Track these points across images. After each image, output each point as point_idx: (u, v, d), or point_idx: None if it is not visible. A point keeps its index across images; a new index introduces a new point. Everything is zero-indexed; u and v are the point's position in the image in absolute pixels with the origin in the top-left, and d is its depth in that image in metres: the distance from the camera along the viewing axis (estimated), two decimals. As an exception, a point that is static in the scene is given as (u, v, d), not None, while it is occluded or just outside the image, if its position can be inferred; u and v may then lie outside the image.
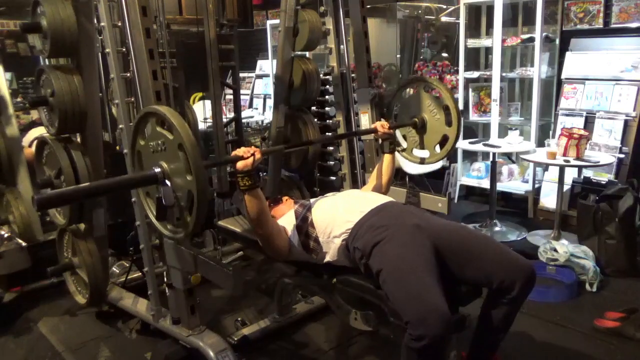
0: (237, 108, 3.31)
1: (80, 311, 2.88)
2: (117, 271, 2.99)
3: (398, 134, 2.60)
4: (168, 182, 1.63)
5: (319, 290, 2.18)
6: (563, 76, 4.12)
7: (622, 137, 3.78)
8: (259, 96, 6.46)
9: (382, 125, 2.40)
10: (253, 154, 1.85)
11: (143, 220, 2.26)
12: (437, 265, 1.74)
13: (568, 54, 4.11)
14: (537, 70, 4.05)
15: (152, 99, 2.09)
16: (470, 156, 4.66)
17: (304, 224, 2.01)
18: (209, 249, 2.94)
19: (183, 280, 2.20)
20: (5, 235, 2.95)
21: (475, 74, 4.48)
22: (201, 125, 3.37)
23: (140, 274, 2.83)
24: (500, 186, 4.34)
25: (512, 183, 4.41)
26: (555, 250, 3.14)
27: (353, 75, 3.01)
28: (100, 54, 2.66)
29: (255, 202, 1.88)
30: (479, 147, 3.92)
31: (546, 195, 4.18)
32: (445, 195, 2.79)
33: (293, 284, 2.40)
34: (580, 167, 3.79)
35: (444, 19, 5.19)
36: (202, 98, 5.26)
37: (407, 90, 3.09)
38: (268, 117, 5.82)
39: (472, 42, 4.44)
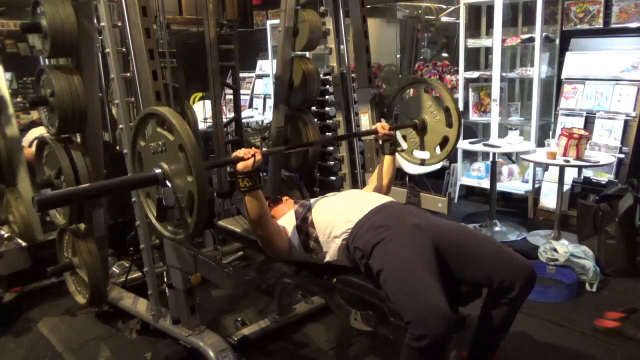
0: (237, 108, 3.30)
1: (80, 311, 2.88)
2: (117, 271, 2.99)
3: (398, 134, 2.59)
4: (169, 183, 1.62)
5: (319, 290, 2.18)
6: (563, 76, 4.12)
7: (622, 137, 3.78)
8: (259, 96, 6.46)
9: (382, 127, 2.40)
10: (253, 155, 1.85)
11: (143, 220, 2.26)
12: (437, 265, 1.74)
13: (568, 54, 4.11)
14: (537, 70, 4.05)
15: (152, 99, 2.09)
16: (470, 156, 4.66)
17: (304, 224, 2.01)
18: (209, 249, 2.93)
19: (183, 280, 2.20)
20: (5, 235, 2.95)
21: (475, 74, 4.48)
22: (201, 125, 3.38)
23: (140, 274, 2.82)
24: (500, 186, 4.34)
25: (512, 183, 4.41)
26: (555, 250, 3.14)
27: (353, 75, 3.01)
28: (100, 54, 2.66)
29: (255, 203, 1.87)
30: (479, 147, 3.92)
31: (546, 195, 4.18)
32: (445, 195, 2.78)
33: (293, 284, 2.39)
34: (580, 167, 3.79)
35: (444, 19, 5.19)
36: (202, 98, 5.26)
37: (408, 91, 3.09)
38: (268, 117, 5.82)
39: (472, 42, 4.44)
